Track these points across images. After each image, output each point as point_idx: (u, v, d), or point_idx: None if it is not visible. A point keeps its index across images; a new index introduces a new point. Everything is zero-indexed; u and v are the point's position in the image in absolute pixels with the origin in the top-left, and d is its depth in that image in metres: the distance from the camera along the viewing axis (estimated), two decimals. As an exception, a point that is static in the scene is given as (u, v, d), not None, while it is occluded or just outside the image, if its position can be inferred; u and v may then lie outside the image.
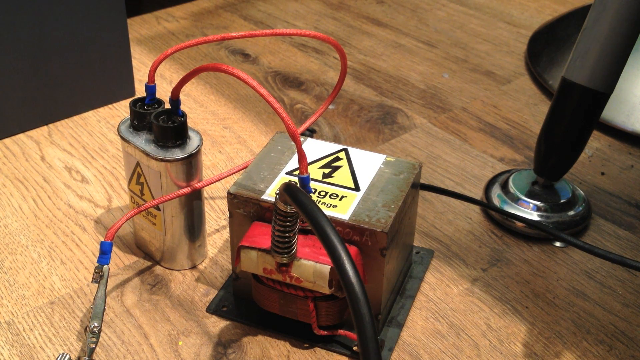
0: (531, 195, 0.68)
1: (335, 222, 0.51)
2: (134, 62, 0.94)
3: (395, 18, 1.11)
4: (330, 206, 0.53)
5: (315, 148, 0.59)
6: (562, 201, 0.68)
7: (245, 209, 0.54)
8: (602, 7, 0.61)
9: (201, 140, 0.58)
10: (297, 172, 0.55)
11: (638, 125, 0.81)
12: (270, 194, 0.54)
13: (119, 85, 0.86)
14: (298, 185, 0.48)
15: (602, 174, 0.76)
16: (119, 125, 0.60)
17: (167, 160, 0.56)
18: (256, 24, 1.08)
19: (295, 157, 0.57)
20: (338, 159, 0.58)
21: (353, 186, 0.55)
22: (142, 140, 0.58)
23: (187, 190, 0.58)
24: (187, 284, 0.61)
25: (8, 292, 0.60)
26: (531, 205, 0.68)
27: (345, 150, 0.59)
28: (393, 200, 0.53)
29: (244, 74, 0.50)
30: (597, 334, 0.57)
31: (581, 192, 0.70)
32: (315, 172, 0.56)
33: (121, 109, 0.85)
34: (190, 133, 0.59)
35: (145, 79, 0.90)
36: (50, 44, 0.78)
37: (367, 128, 0.83)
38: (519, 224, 0.67)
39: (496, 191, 0.70)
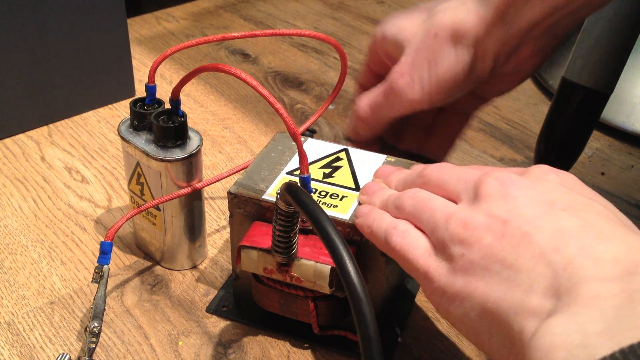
0: (531, 195, 0.68)
1: (335, 222, 0.51)
2: (134, 62, 0.94)
3: (395, 18, 1.10)
4: (330, 206, 0.53)
5: (316, 148, 0.59)
6: (562, 201, 0.68)
7: (246, 208, 0.54)
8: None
9: (201, 140, 0.58)
10: (297, 172, 0.55)
11: (638, 125, 0.81)
12: (270, 194, 0.54)
13: (119, 85, 0.86)
14: (299, 185, 0.48)
15: (602, 174, 0.76)
16: (119, 126, 0.60)
17: (167, 160, 0.56)
18: (256, 24, 1.08)
19: (296, 157, 0.57)
20: (338, 159, 0.58)
21: (353, 186, 0.55)
22: (142, 141, 0.58)
23: (187, 190, 0.58)
24: (187, 284, 0.61)
25: (8, 292, 0.60)
26: (531, 205, 0.67)
27: (346, 150, 0.59)
28: (393, 200, 0.53)
29: (244, 74, 0.49)
30: (598, 334, 0.57)
31: (581, 192, 0.70)
32: (315, 172, 0.56)
33: (121, 109, 0.85)
34: (190, 133, 0.59)
35: (145, 79, 0.90)
36: (50, 44, 0.78)
37: (367, 128, 0.83)
38: (519, 224, 0.66)
39: (496, 191, 0.70)
